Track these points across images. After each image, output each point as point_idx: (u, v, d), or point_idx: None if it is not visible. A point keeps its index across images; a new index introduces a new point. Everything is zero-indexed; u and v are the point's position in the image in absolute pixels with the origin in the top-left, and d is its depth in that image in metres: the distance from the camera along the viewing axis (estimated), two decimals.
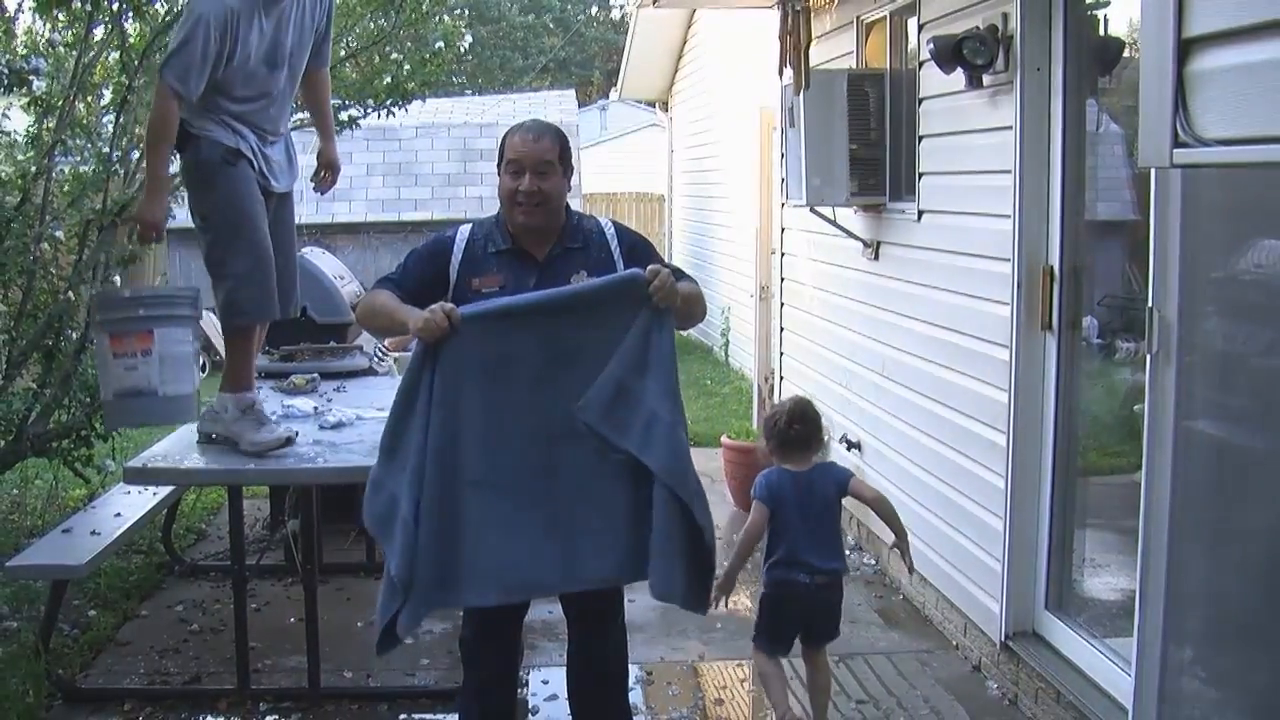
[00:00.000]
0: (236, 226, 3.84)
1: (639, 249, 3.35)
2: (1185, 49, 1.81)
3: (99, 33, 5.52)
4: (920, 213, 5.10)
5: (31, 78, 5.23)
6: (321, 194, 4.39)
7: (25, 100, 5.46)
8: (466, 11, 32.21)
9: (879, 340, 5.62)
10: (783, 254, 7.46)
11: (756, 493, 3.72)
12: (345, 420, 4.36)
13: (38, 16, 5.59)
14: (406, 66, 7.32)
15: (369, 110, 6.76)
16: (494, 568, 3.07)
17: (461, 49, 25.98)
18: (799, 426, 3.76)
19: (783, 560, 3.67)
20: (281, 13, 3.81)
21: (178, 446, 4.12)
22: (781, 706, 3.74)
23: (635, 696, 4.27)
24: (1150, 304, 3.16)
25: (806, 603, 3.70)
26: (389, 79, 6.83)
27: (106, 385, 3.87)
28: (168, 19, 5.56)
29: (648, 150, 19.80)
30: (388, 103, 6.63)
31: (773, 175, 7.99)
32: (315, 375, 5.17)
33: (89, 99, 5.92)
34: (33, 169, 5.48)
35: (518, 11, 35.12)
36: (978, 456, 4.52)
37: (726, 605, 3.69)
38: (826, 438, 4.99)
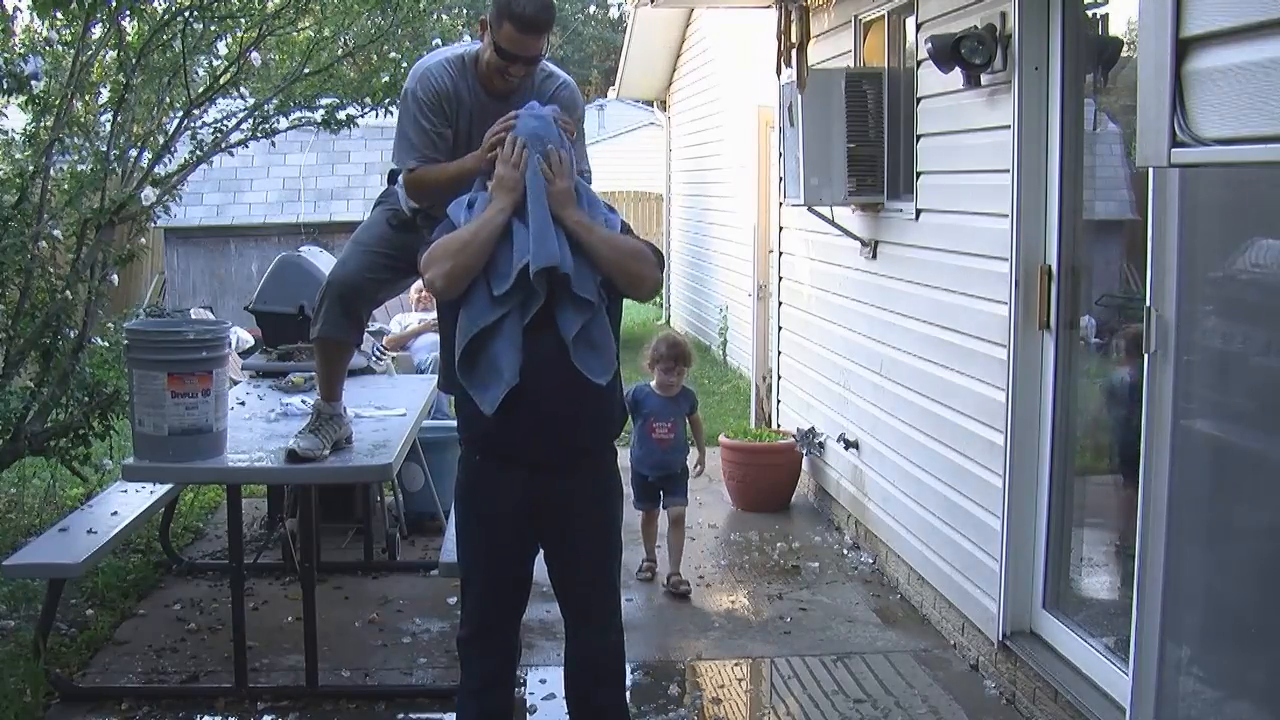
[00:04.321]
0: None
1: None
2: (1183, 48, 1.80)
3: (97, 31, 5.51)
4: (918, 212, 5.10)
5: (32, 82, 5.22)
6: None
7: (23, 99, 5.45)
8: (465, 10, 32.15)
9: (877, 339, 5.62)
10: (780, 253, 7.46)
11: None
12: None
13: (35, 16, 5.57)
14: (404, 65, 7.29)
15: (367, 109, 6.75)
16: None
17: None
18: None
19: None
20: None
21: None
22: (650, 551, 5.61)
23: (632, 696, 4.27)
24: (1148, 304, 3.16)
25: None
26: (386, 77, 6.79)
27: (158, 422, 3.84)
28: (164, 17, 5.56)
29: (646, 149, 19.83)
30: (385, 101, 6.60)
31: (771, 174, 7.99)
32: (313, 374, 5.15)
33: (87, 98, 5.91)
34: (30, 167, 5.47)
35: None
36: (976, 456, 4.52)
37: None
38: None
